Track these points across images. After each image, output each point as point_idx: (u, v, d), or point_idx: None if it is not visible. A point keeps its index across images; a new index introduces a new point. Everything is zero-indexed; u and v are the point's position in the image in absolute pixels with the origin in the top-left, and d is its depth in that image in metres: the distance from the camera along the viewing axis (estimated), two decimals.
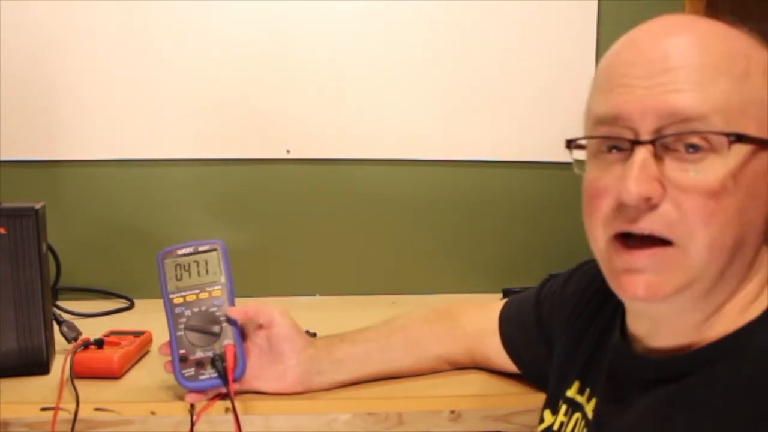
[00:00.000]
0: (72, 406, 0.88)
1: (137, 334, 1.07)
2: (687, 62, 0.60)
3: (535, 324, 0.92)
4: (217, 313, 0.91)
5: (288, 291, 1.50)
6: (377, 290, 1.52)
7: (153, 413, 0.91)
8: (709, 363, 0.61)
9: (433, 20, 1.48)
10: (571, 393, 0.78)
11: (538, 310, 0.92)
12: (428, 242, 1.55)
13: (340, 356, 0.95)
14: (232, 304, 0.92)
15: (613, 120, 0.62)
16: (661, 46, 0.61)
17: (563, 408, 0.78)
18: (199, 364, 0.89)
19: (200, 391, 0.89)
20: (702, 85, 0.59)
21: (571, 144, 0.66)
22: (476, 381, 0.99)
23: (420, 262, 1.55)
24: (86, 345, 0.99)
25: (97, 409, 0.90)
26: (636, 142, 0.60)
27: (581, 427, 0.74)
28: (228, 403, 0.86)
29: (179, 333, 0.90)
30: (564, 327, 0.84)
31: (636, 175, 0.59)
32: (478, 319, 1.00)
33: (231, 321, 0.91)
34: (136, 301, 1.43)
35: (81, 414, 0.88)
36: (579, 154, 0.67)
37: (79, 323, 1.14)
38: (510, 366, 0.96)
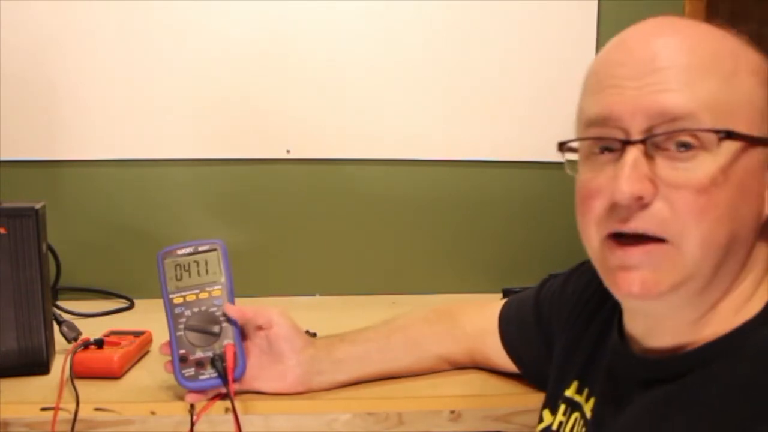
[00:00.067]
0: (72, 406, 0.88)
1: (137, 334, 1.07)
2: (675, 62, 0.60)
3: (534, 324, 0.92)
4: (217, 313, 0.91)
5: (288, 291, 1.50)
6: (377, 290, 1.52)
7: (153, 413, 0.91)
8: (706, 363, 0.62)
9: (433, 20, 1.48)
10: (569, 393, 0.78)
11: (537, 310, 0.92)
12: (428, 242, 1.55)
13: (340, 356, 0.95)
14: (232, 303, 0.92)
15: (603, 121, 0.63)
16: (649, 47, 0.62)
17: (562, 408, 0.78)
18: (199, 364, 0.89)
19: (200, 391, 0.89)
20: (690, 84, 0.60)
21: (563, 146, 0.67)
22: (476, 381, 0.99)
23: (420, 262, 1.55)
24: (86, 345, 0.99)
25: (97, 409, 0.90)
26: (627, 142, 0.61)
27: (580, 427, 0.74)
28: (228, 403, 0.86)
29: (179, 333, 0.90)
30: (563, 327, 0.84)
31: (627, 175, 0.60)
32: (477, 319, 1.00)
33: (231, 321, 0.91)
34: (136, 301, 1.43)
35: (81, 414, 0.88)
36: (572, 156, 0.67)
37: (79, 323, 1.14)
38: (510, 366, 0.96)
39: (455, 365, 1.01)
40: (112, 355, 0.98)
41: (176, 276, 0.92)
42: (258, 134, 1.48)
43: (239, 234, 1.49)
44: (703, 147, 0.59)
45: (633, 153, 0.60)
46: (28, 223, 0.98)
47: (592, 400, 0.73)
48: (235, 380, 0.88)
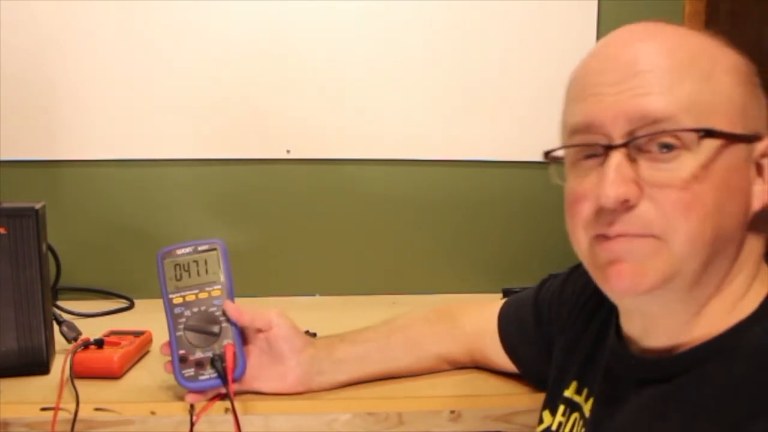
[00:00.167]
0: (72, 406, 0.88)
1: (137, 334, 1.07)
2: (653, 66, 0.62)
3: (533, 324, 0.92)
4: (217, 313, 0.91)
5: (288, 291, 1.50)
6: (377, 290, 1.52)
7: (153, 413, 0.91)
8: (702, 362, 0.62)
9: (433, 20, 1.48)
10: (569, 393, 0.78)
11: (536, 310, 0.92)
12: (428, 242, 1.55)
13: (341, 356, 0.95)
14: (232, 302, 0.92)
15: (586, 128, 0.64)
16: (627, 52, 0.63)
17: (561, 408, 0.78)
18: (199, 364, 0.89)
19: (200, 391, 0.89)
20: (669, 86, 0.61)
21: (548, 155, 0.69)
22: (476, 381, 0.99)
23: (420, 262, 1.55)
24: (86, 345, 0.99)
25: (97, 409, 0.90)
26: (610, 147, 0.62)
27: (579, 427, 0.74)
28: (228, 403, 0.86)
29: (179, 333, 0.90)
30: (562, 327, 0.85)
31: (612, 179, 0.61)
32: (477, 319, 1.00)
33: (231, 321, 0.91)
34: (136, 301, 1.43)
35: (81, 414, 0.88)
36: (558, 164, 0.69)
37: (79, 323, 1.14)
38: (509, 366, 0.97)
39: (455, 365, 1.01)
40: (112, 355, 0.98)
41: (176, 276, 0.92)
42: (258, 134, 1.48)
43: (239, 234, 1.49)
44: (684, 147, 0.60)
45: (616, 157, 0.61)
46: (28, 223, 0.98)
47: (591, 401, 0.74)
48: (234, 380, 0.88)
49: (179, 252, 0.92)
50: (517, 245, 1.55)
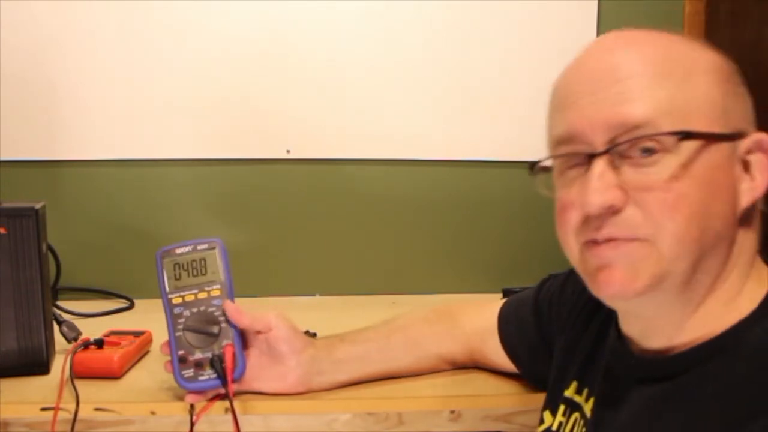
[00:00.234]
0: (72, 406, 0.88)
1: (137, 334, 1.07)
2: (629, 73, 0.63)
3: (533, 324, 0.92)
4: (216, 314, 0.90)
5: (288, 291, 1.50)
6: (377, 290, 1.52)
7: (153, 413, 0.91)
8: (702, 362, 0.62)
9: (433, 20, 1.48)
10: (569, 393, 0.78)
11: (537, 310, 0.92)
12: (428, 242, 1.55)
13: (341, 356, 0.95)
14: (231, 302, 0.92)
15: (569, 139, 0.65)
16: (603, 61, 0.65)
17: (562, 408, 0.78)
18: (198, 365, 0.88)
19: (199, 391, 0.89)
20: (647, 92, 0.62)
21: (534, 167, 0.70)
22: (476, 381, 0.99)
23: (420, 262, 1.55)
24: (86, 345, 0.99)
25: (97, 409, 0.90)
26: (592, 156, 0.63)
27: (580, 427, 0.74)
28: (228, 403, 0.86)
29: (178, 333, 0.90)
30: (563, 327, 0.85)
31: (595, 186, 0.62)
32: (477, 319, 1.00)
33: (230, 321, 0.91)
34: (136, 301, 1.43)
35: (81, 414, 0.88)
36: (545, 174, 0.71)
37: (79, 323, 1.14)
38: (509, 365, 0.96)
39: (455, 365, 1.01)
40: (112, 355, 0.98)
41: (175, 275, 0.91)
42: (258, 134, 1.48)
43: (239, 234, 1.49)
44: (665, 150, 0.61)
45: (599, 165, 0.62)
46: (28, 223, 0.98)
47: (591, 400, 0.74)
48: (234, 381, 0.88)
49: (178, 251, 0.92)
50: (517, 245, 1.55)
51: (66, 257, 1.37)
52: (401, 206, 1.53)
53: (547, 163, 0.69)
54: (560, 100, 0.67)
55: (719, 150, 0.62)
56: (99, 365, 0.97)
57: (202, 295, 0.91)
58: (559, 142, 0.67)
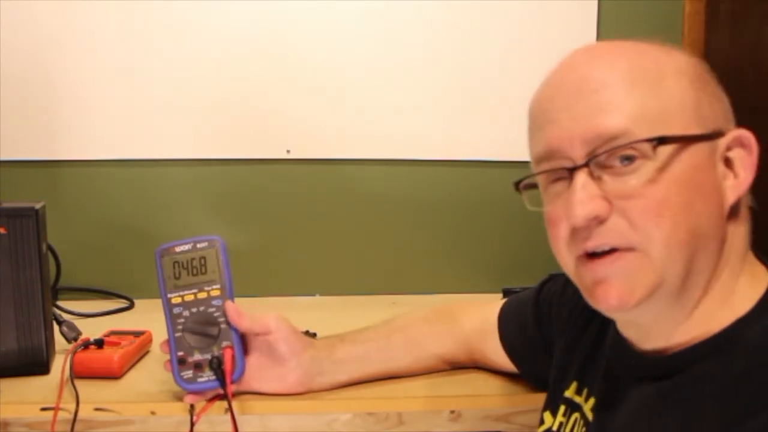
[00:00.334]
0: (72, 406, 0.88)
1: (137, 334, 1.07)
2: (600, 85, 0.64)
3: (534, 325, 0.92)
4: (216, 314, 0.90)
5: (288, 291, 1.50)
6: (377, 290, 1.52)
7: (153, 413, 0.91)
8: (698, 360, 0.63)
9: (433, 20, 1.48)
10: (569, 393, 0.78)
11: (537, 310, 0.92)
12: (428, 242, 1.55)
13: (341, 356, 0.95)
14: (232, 301, 0.91)
15: (549, 155, 0.66)
16: (573, 76, 0.66)
17: (562, 409, 0.79)
18: (198, 366, 0.88)
19: (199, 392, 0.89)
20: (619, 102, 0.63)
21: (518, 185, 0.73)
22: (476, 381, 0.99)
23: (420, 262, 1.55)
24: (86, 345, 0.99)
25: (97, 409, 0.90)
26: (573, 169, 0.64)
27: (580, 427, 0.74)
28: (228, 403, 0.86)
29: (177, 334, 0.89)
30: (563, 328, 0.85)
31: (579, 198, 0.63)
32: (477, 319, 1.00)
33: (230, 322, 0.90)
34: (136, 301, 1.43)
35: (81, 414, 0.88)
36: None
37: (79, 323, 1.14)
38: (508, 365, 0.96)
39: (455, 365, 1.01)
40: (112, 355, 0.98)
41: (174, 274, 0.91)
42: (258, 134, 1.48)
43: (239, 234, 1.49)
44: (644, 156, 0.62)
45: (580, 177, 0.63)
46: (28, 223, 0.98)
47: (591, 401, 0.74)
48: (233, 382, 0.88)
49: (178, 249, 0.92)
50: (517, 245, 1.55)
51: (66, 257, 1.37)
52: (401, 206, 1.53)
53: (532, 180, 0.71)
54: (537, 118, 0.69)
55: (698, 151, 0.63)
56: (99, 365, 0.98)
57: (201, 295, 0.90)
58: (540, 159, 0.68)
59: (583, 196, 0.62)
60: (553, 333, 0.87)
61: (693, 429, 0.61)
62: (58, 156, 1.45)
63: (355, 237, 1.53)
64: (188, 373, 0.88)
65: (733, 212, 0.65)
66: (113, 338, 1.03)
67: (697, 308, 0.64)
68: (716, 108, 0.66)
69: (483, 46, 1.50)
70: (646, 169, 0.62)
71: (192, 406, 0.89)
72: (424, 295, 1.51)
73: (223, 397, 0.88)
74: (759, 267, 0.67)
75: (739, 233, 0.66)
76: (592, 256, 0.64)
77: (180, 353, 0.89)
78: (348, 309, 1.42)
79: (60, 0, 1.41)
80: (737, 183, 0.64)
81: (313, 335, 1.09)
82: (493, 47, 1.50)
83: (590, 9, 1.50)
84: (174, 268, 0.91)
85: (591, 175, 0.63)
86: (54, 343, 1.03)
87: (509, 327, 0.96)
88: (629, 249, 0.62)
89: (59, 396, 0.89)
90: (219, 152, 1.48)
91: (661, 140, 0.61)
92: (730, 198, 0.64)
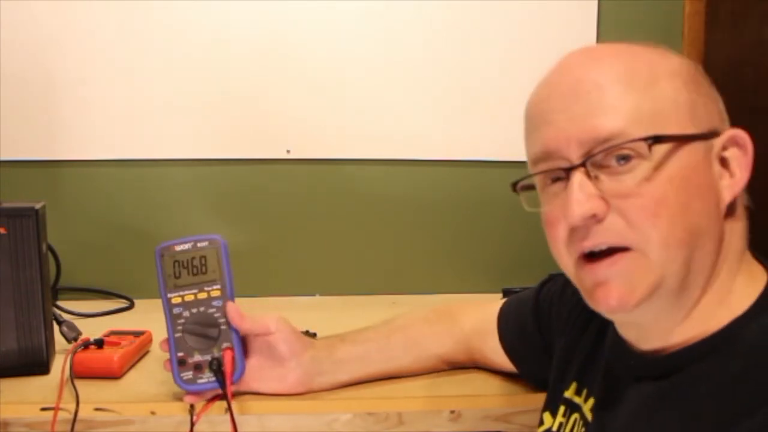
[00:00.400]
0: (72, 406, 0.88)
1: (137, 334, 1.07)
2: (595, 86, 0.64)
3: (533, 325, 0.92)
4: (216, 315, 0.89)
5: (288, 291, 1.50)
6: (377, 290, 1.52)
7: (153, 413, 0.91)
8: (696, 360, 0.63)
9: (433, 20, 1.48)
10: (569, 394, 0.78)
11: (537, 311, 0.92)
12: (428, 242, 1.55)
13: (341, 356, 0.95)
14: (232, 301, 0.91)
15: (546, 156, 0.67)
16: (569, 78, 0.67)
17: (561, 409, 0.79)
18: (197, 367, 0.88)
19: (198, 393, 0.89)
20: (614, 103, 0.63)
21: (516, 186, 0.73)
22: (476, 381, 0.99)
23: (420, 262, 1.55)
24: (86, 345, 0.99)
25: (97, 409, 0.90)
26: (570, 169, 0.64)
27: (579, 428, 0.74)
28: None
29: (177, 335, 0.89)
30: (563, 328, 0.85)
31: (576, 198, 0.63)
32: (477, 319, 1.00)
33: (230, 323, 0.90)
34: (136, 301, 1.43)
35: (81, 414, 0.88)
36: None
37: (79, 323, 1.14)
38: (508, 365, 0.96)
39: (455, 365, 1.01)
40: (112, 355, 0.98)
41: (174, 273, 0.90)
42: (258, 134, 1.48)
43: (239, 234, 1.49)
44: (640, 156, 0.62)
45: (577, 177, 0.64)
46: (28, 223, 0.98)
47: (591, 401, 0.74)
48: (233, 383, 0.88)
49: (178, 248, 0.91)
50: (517, 245, 1.55)
51: (66, 257, 1.37)
52: (401, 206, 1.53)
53: (529, 181, 0.71)
54: (534, 119, 0.70)
55: (693, 150, 0.63)
56: (99, 365, 0.98)
57: (202, 296, 0.90)
58: (537, 160, 0.69)
59: (580, 195, 0.63)
60: (553, 333, 0.87)
61: (691, 428, 0.61)
62: (58, 156, 1.45)
63: (355, 237, 1.53)
64: (188, 374, 0.88)
65: (730, 211, 0.65)
66: (113, 338, 1.03)
67: (696, 308, 0.65)
68: (711, 109, 0.66)
69: (483, 46, 1.50)
70: (642, 168, 0.62)
71: (192, 406, 0.89)
72: (424, 295, 1.51)
73: (222, 397, 0.88)
74: (756, 266, 0.67)
75: (737, 232, 0.66)
76: (591, 257, 0.65)
77: (180, 354, 0.89)
78: (348, 309, 1.42)
79: (60, 0, 1.41)
80: (733, 182, 0.65)
81: (313, 335, 1.09)
82: (493, 47, 1.50)
83: (590, 9, 1.50)
84: (174, 267, 0.90)
85: (588, 174, 0.63)
86: (54, 343, 1.03)
87: (509, 327, 0.96)
88: (627, 249, 0.63)
89: (59, 396, 0.89)
90: (219, 152, 1.48)
91: (657, 139, 0.62)
92: (727, 197, 0.65)
